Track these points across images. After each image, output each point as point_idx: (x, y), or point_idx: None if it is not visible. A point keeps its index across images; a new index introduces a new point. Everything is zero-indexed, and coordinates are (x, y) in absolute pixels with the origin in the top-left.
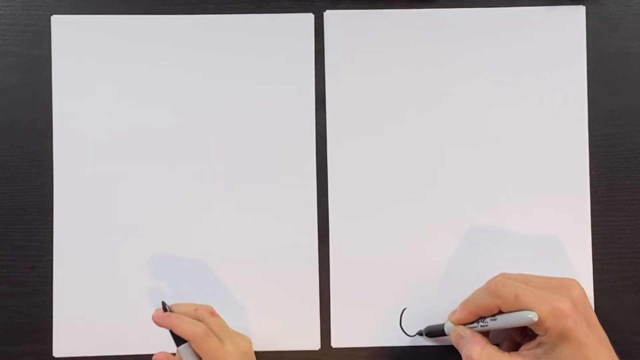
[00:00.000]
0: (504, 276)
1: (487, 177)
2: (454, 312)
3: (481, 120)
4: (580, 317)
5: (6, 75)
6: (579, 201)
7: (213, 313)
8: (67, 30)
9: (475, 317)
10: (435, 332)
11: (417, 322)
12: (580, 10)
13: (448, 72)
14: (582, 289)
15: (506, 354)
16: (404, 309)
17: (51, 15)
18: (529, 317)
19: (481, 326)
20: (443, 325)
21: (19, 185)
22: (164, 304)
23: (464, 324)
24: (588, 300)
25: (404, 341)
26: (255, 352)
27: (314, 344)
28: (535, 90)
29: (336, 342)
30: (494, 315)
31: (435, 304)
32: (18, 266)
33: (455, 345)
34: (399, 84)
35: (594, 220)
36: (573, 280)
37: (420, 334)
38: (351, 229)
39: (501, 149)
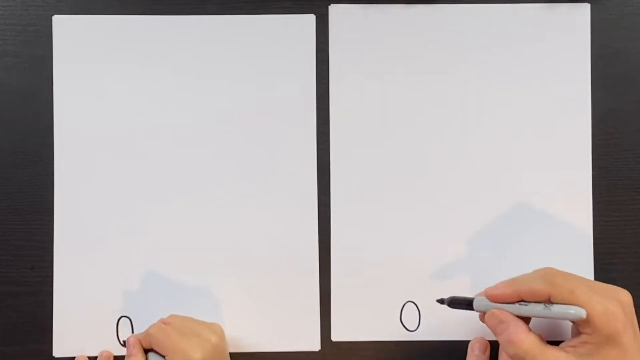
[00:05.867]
0: (556, 269)
1: (489, 176)
2: (495, 287)
3: (486, 118)
4: (628, 323)
5: (6, 75)
6: (581, 201)
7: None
8: (68, 31)
9: (517, 299)
10: (459, 304)
11: (418, 317)
12: (585, 8)
13: (452, 70)
14: (630, 297)
15: (549, 346)
16: (405, 304)
17: (52, 15)
18: (576, 313)
19: (517, 310)
20: (471, 299)
21: (19, 185)
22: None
23: (500, 302)
24: (634, 310)
25: (404, 336)
26: (255, 353)
27: (314, 345)
28: (538, 89)
29: (336, 336)
30: (538, 303)
31: (436, 299)
32: (18, 266)
33: (489, 326)
34: (402, 82)
35: (594, 220)
36: (621, 288)
37: (441, 302)
38: (353, 226)
39: (504, 147)
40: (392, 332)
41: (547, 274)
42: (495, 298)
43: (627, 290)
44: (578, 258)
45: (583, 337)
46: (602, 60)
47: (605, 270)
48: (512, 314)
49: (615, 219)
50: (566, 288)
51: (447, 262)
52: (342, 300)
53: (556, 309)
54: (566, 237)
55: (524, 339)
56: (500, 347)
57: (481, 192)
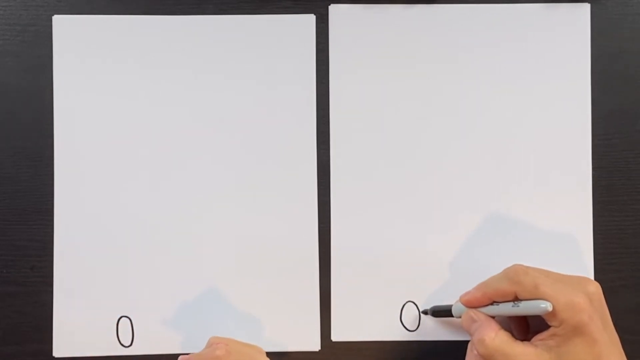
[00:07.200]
0: (522, 265)
1: (489, 176)
2: (467, 293)
3: (486, 118)
4: (596, 313)
5: (6, 75)
6: (581, 201)
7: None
8: (68, 30)
9: (488, 301)
10: (441, 312)
11: (418, 317)
12: (585, 8)
13: (452, 70)
14: (599, 287)
15: (519, 341)
16: (405, 304)
17: (52, 15)
18: (542, 306)
19: (491, 310)
20: (450, 306)
21: (19, 185)
22: None
23: (474, 307)
24: (604, 300)
25: (404, 336)
26: None
27: (314, 345)
28: (538, 89)
29: (336, 336)
30: (507, 302)
31: (436, 300)
32: (18, 266)
33: (465, 328)
34: (402, 82)
35: (594, 220)
36: (590, 278)
37: (425, 312)
38: (353, 225)
39: (504, 148)
40: (392, 332)
41: (512, 272)
42: (468, 303)
43: (627, 290)
44: (578, 258)
45: (552, 330)
46: (602, 60)
47: (605, 270)
48: (484, 314)
49: (615, 219)
50: (530, 284)
51: (447, 262)
52: (342, 300)
53: (524, 305)
54: (566, 237)
55: (493, 336)
56: (469, 348)
57: (481, 192)
